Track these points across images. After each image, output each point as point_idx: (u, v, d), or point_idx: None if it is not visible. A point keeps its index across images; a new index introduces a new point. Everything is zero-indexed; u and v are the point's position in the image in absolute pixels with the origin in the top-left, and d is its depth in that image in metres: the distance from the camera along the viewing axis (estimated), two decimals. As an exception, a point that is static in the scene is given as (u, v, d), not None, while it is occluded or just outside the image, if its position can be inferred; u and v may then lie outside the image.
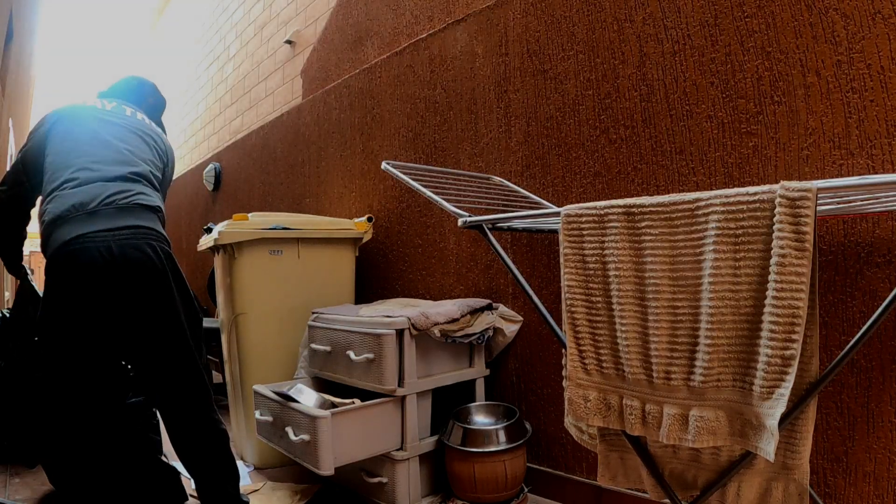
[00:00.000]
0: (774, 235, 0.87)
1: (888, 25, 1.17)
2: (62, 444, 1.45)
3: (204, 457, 1.51)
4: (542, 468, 1.81)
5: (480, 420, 1.79)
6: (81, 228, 1.40)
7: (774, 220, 0.87)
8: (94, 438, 1.46)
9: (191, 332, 1.51)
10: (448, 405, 1.80)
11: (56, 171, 1.50)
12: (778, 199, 0.87)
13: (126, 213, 1.46)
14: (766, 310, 0.88)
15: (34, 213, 1.65)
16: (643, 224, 1.03)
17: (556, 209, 1.21)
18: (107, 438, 1.48)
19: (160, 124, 1.89)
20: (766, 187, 0.90)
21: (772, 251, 0.87)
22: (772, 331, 0.87)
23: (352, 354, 1.71)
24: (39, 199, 1.56)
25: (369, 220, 2.44)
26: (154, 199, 1.56)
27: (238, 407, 2.23)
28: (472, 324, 1.81)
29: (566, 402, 1.14)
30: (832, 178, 1.23)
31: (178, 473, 1.74)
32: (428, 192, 1.48)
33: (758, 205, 0.90)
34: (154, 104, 1.89)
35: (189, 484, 1.76)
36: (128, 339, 1.47)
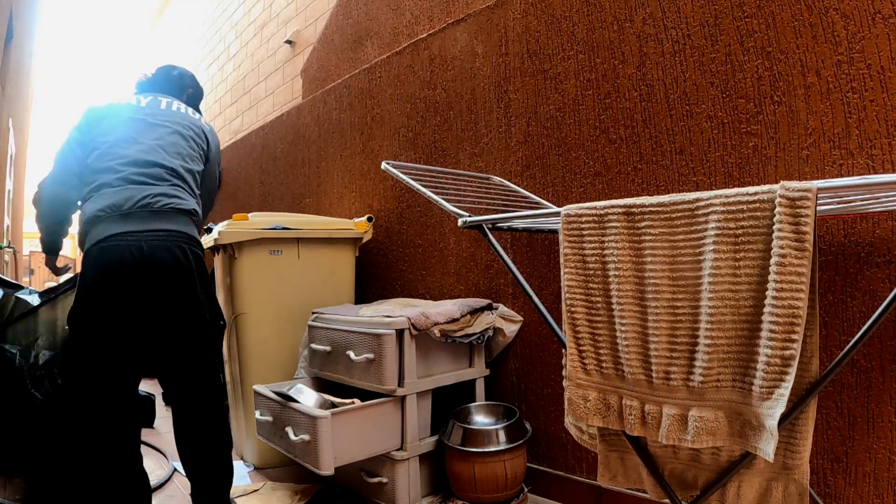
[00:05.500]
0: (774, 235, 0.87)
1: (888, 25, 1.17)
2: (78, 437, 1.44)
3: (207, 459, 1.52)
4: (542, 468, 1.81)
5: (480, 420, 1.79)
6: (115, 228, 1.44)
7: (774, 220, 0.87)
8: (110, 434, 1.45)
9: (212, 336, 1.55)
10: (448, 405, 1.80)
11: (95, 172, 1.53)
12: (778, 199, 0.87)
13: (159, 216, 1.48)
14: (766, 310, 0.88)
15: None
16: (643, 224, 1.03)
17: (556, 209, 1.21)
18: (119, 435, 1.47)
19: (198, 112, 1.89)
20: (766, 187, 0.90)
21: (772, 251, 0.87)
22: (772, 331, 0.87)
23: (352, 354, 1.71)
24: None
25: (369, 220, 2.44)
26: (189, 201, 1.57)
27: (238, 407, 2.23)
28: (472, 324, 1.81)
29: (566, 402, 1.14)
30: (832, 178, 1.23)
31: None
32: (428, 192, 1.48)
33: (758, 205, 0.90)
34: (193, 94, 1.92)
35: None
36: (150, 336, 1.49)
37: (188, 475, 1.54)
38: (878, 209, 1.06)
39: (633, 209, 1.04)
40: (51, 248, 1.72)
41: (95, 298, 1.42)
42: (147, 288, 1.44)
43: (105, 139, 1.56)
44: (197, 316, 1.50)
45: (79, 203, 1.58)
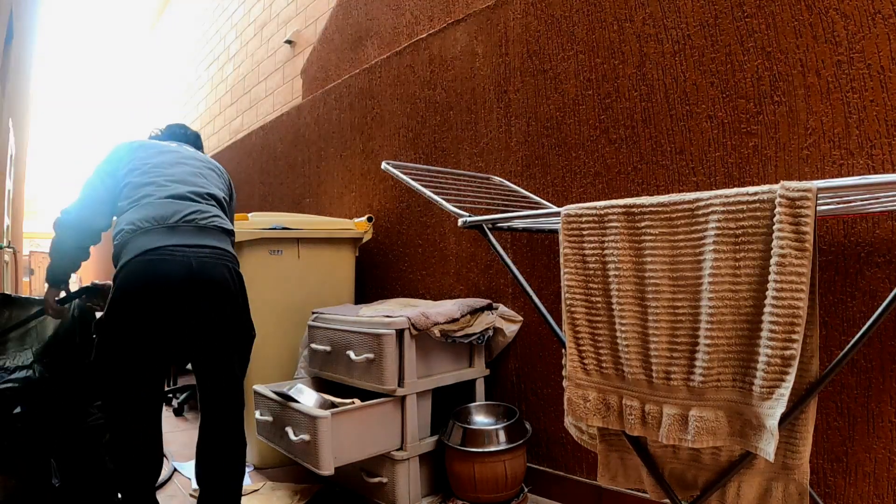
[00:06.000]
0: (774, 235, 0.87)
1: (888, 25, 1.17)
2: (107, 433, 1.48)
3: (226, 460, 1.54)
4: (542, 468, 1.81)
5: (480, 420, 1.79)
6: (162, 240, 1.44)
7: (774, 220, 0.87)
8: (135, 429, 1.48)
9: (246, 352, 1.60)
10: (448, 405, 1.80)
11: (136, 187, 1.55)
12: (778, 199, 0.87)
13: (205, 233, 1.51)
14: (766, 310, 0.88)
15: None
16: (643, 224, 1.03)
17: (556, 209, 1.21)
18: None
19: None
20: (766, 187, 0.89)
21: (772, 251, 0.87)
22: (772, 331, 0.87)
23: (352, 354, 1.71)
24: (117, 214, 1.60)
25: (369, 220, 2.44)
26: (228, 223, 1.63)
27: (238, 407, 2.23)
28: (472, 324, 1.81)
29: (566, 402, 1.14)
30: (832, 178, 1.23)
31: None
32: (428, 192, 1.48)
33: (758, 205, 0.90)
34: (200, 149, 2.00)
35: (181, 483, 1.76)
36: (191, 348, 1.52)
37: (202, 473, 1.55)
38: (878, 209, 1.06)
39: (633, 209, 1.04)
40: (61, 277, 1.66)
41: (138, 312, 1.41)
42: (196, 305, 1.45)
43: (146, 161, 1.61)
44: (239, 333, 1.55)
45: (112, 220, 1.60)
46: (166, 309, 1.42)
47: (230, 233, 1.62)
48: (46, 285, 1.68)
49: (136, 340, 1.42)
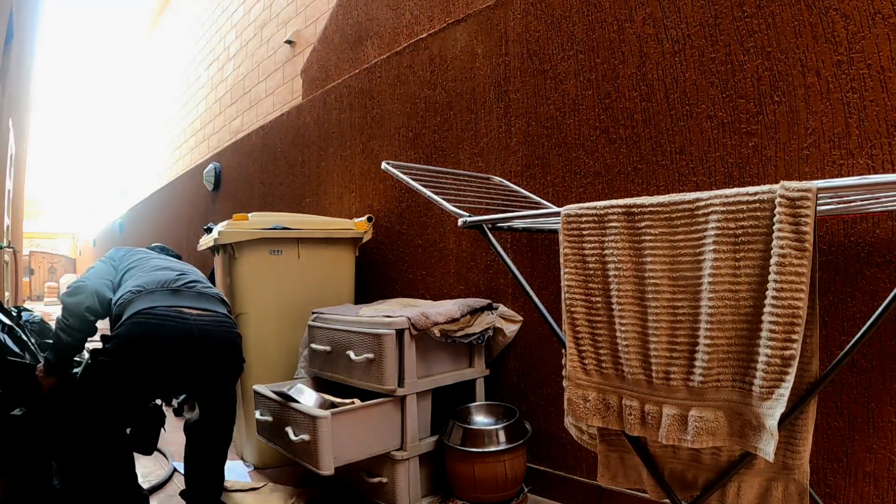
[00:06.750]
0: (774, 235, 0.87)
1: (888, 25, 1.17)
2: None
3: (209, 452, 1.70)
4: (542, 468, 1.81)
5: (480, 420, 1.79)
6: (165, 301, 1.56)
7: (774, 220, 0.87)
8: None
9: (237, 380, 1.78)
10: (448, 405, 1.80)
11: (136, 269, 1.75)
12: (778, 199, 0.87)
13: (206, 299, 1.67)
14: (766, 310, 0.88)
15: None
16: (643, 224, 1.03)
17: (556, 209, 1.21)
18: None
19: None
20: (766, 187, 0.90)
21: (772, 251, 0.87)
22: (772, 331, 0.87)
23: (352, 354, 1.71)
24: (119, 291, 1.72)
25: (369, 220, 2.44)
26: (222, 294, 1.80)
27: (238, 407, 2.23)
28: (472, 324, 1.81)
29: (566, 402, 1.14)
30: (832, 178, 1.23)
31: None
32: (428, 192, 1.48)
33: (758, 205, 0.90)
34: None
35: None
36: (185, 391, 1.72)
37: (190, 451, 1.70)
38: (878, 209, 1.06)
39: (633, 209, 1.04)
40: (64, 359, 1.64)
41: (138, 368, 1.50)
42: (198, 368, 1.56)
43: (142, 255, 1.87)
44: (232, 383, 1.73)
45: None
46: (167, 369, 1.53)
47: (226, 303, 1.78)
48: (42, 371, 1.65)
49: (130, 389, 1.52)
